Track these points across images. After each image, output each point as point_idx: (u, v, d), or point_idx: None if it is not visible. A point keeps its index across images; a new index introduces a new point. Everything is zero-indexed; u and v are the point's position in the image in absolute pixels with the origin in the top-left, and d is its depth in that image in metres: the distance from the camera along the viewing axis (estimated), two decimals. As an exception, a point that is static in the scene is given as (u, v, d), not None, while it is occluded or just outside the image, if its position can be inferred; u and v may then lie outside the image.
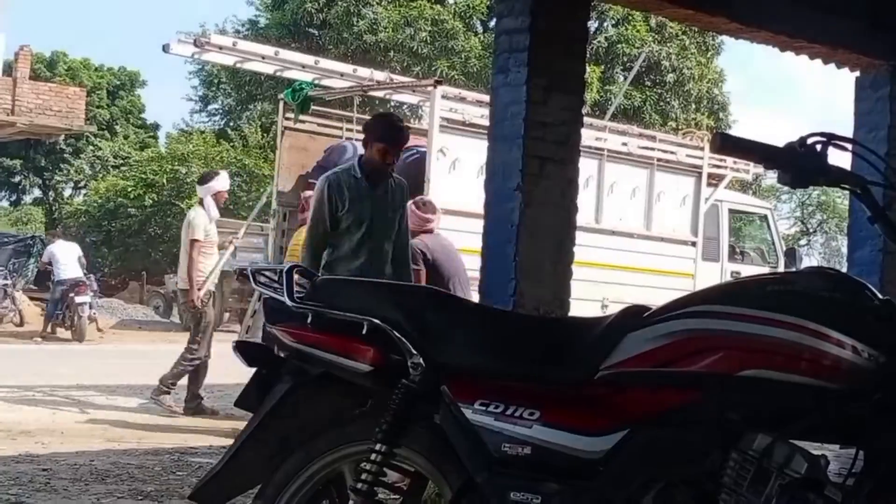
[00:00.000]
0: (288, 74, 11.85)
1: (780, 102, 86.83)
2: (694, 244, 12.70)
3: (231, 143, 34.99)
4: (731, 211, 15.05)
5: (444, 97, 10.52)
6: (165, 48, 11.17)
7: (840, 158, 2.70)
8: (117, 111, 48.04)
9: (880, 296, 2.63)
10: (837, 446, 2.97)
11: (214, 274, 9.76)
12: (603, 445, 2.62)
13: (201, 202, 9.69)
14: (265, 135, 33.68)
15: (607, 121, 14.23)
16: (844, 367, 2.50)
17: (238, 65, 12.33)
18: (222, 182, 9.87)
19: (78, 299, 18.32)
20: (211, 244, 9.68)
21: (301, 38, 30.29)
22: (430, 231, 7.72)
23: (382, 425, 2.79)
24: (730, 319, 2.60)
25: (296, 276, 2.99)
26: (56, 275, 18.91)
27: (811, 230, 46.15)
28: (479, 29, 31.27)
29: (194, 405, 9.52)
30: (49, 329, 19.13)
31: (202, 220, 9.58)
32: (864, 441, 2.60)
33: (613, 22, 31.02)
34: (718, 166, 13.46)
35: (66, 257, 18.99)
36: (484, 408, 2.73)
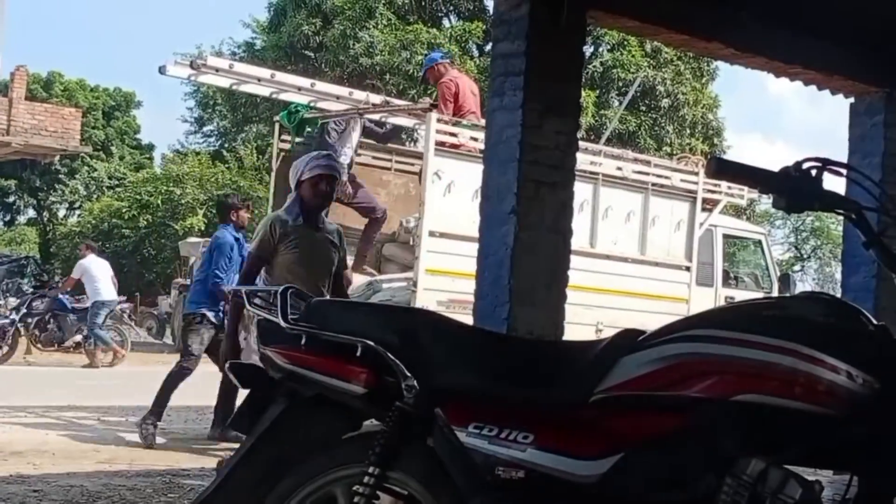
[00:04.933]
0: (284, 97, 11.85)
1: (774, 128, 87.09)
2: (688, 269, 12.68)
3: (226, 165, 34.99)
4: (726, 236, 15.05)
5: (439, 120, 10.53)
6: (162, 70, 11.16)
7: (835, 184, 2.71)
8: (113, 132, 48.10)
9: (875, 321, 2.63)
10: (831, 472, 2.97)
11: None
12: (597, 469, 2.61)
13: None
14: (260, 157, 33.67)
15: (602, 145, 14.23)
16: (839, 392, 2.50)
17: (234, 87, 12.32)
18: None
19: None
20: None
21: (297, 61, 30.33)
22: None
23: (376, 448, 2.77)
24: (724, 344, 2.60)
25: (290, 298, 2.99)
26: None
27: (805, 256, 46.22)
28: (475, 53, 31.34)
29: None
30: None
31: None
32: (858, 467, 2.60)
33: (609, 47, 31.10)
34: (713, 191, 13.46)
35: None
36: (478, 431, 2.72)
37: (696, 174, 12.76)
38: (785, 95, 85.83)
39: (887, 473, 2.55)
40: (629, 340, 2.77)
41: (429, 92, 27.29)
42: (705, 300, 12.83)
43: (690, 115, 31.20)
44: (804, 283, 39.54)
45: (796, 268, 43.66)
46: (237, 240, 9.56)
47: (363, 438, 2.89)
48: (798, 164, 2.62)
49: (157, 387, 9.28)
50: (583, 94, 13.08)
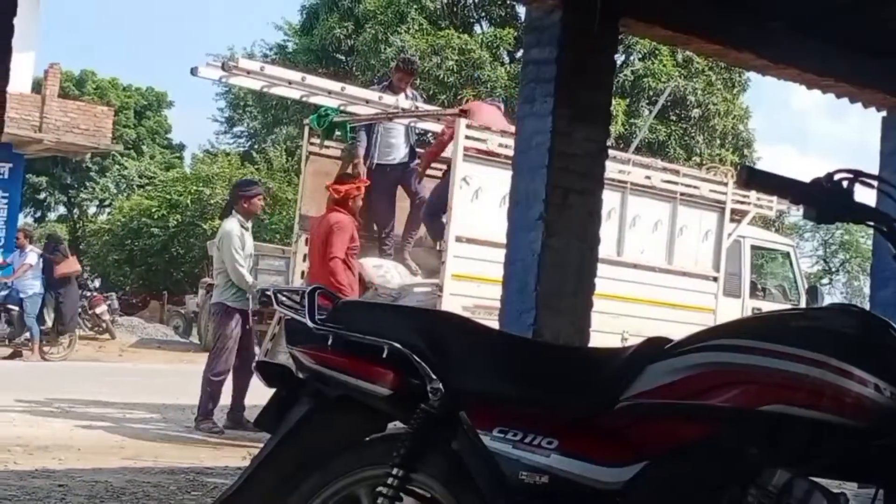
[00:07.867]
0: (314, 100, 11.88)
1: (804, 140, 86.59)
2: (715, 279, 12.62)
3: (255, 166, 35.12)
4: (754, 247, 15.00)
5: (468, 126, 10.53)
6: (193, 71, 11.20)
7: (866, 196, 2.70)
8: (144, 131, 48.44)
9: (904, 334, 2.62)
10: (856, 484, 2.95)
11: None
12: (621, 476, 2.61)
13: None
14: (290, 158, 33.77)
15: (631, 153, 14.21)
16: (866, 405, 2.49)
17: (265, 89, 12.36)
18: None
19: None
20: None
21: (328, 64, 30.42)
22: None
23: (400, 450, 2.77)
24: (752, 354, 2.59)
25: (318, 299, 3.00)
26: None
27: (834, 269, 45.98)
28: (506, 59, 31.33)
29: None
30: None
31: None
32: (884, 480, 2.59)
33: (640, 56, 31.03)
34: (742, 202, 13.40)
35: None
36: (502, 435, 2.72)
37: (725, 184, 12.70)
38: (813, 108, 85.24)
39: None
40: (656, 348, 2.76)
41: (459, 97, 27.35)
42: (732, 311, 12.77)
43: (721, 125, 31.09)
44: (832, 297, 39.31)
45: (824, 281, 43.45)
46: None
47: (387, 440, 2.89)
48: (830, 175, 2.61)
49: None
50: (613, 102, 13.07)
